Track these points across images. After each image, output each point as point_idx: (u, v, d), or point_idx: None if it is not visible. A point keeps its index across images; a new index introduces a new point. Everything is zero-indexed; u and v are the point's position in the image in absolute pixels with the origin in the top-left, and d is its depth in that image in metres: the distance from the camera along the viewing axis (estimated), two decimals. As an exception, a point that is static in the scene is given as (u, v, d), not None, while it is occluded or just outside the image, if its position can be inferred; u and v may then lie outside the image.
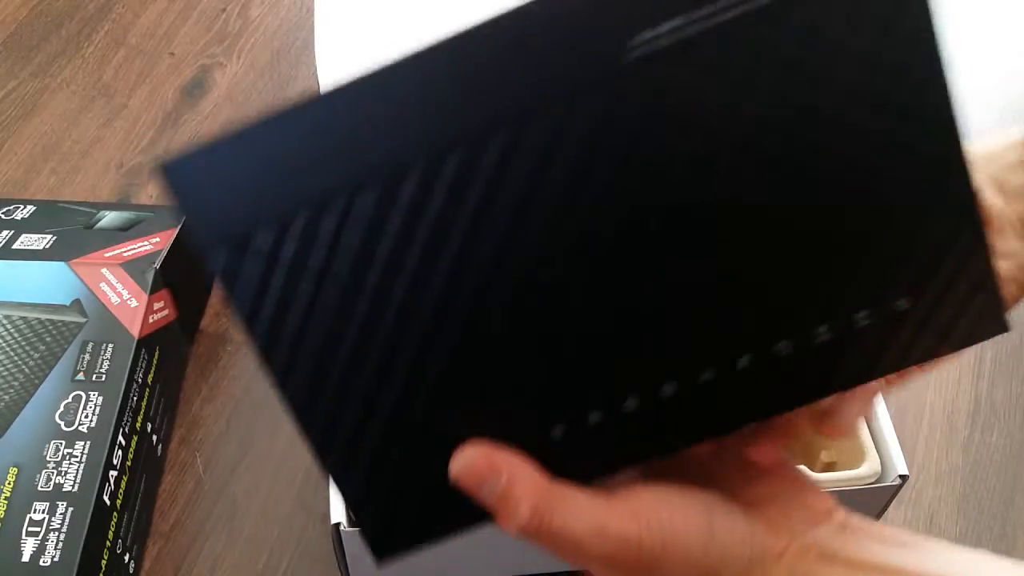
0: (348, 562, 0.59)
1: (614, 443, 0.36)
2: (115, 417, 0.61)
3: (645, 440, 0.36)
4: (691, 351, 0.35)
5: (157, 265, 0.68)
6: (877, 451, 0.61)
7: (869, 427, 0.62)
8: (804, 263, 0.34)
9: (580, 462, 0.35)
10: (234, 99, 0.91)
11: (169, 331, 0.70)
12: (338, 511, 0.56)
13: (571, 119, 0.32)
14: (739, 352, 0.35)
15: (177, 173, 0.32)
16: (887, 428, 0.62)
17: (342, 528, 0.56)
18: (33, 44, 0.95)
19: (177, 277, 0.70)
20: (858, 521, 0.37)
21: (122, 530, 0.62)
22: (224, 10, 0.98)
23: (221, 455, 0.70)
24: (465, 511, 0.35)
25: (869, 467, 0.60)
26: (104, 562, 0.59)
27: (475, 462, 0.34)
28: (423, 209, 0.32)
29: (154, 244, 0.70)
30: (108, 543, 0.60)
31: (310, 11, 0.99)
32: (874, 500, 0.61)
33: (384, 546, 0.37)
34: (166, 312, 0.69)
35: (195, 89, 0.92)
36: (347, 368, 0.34)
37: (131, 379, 0.63)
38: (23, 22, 0.96)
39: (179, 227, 0.71)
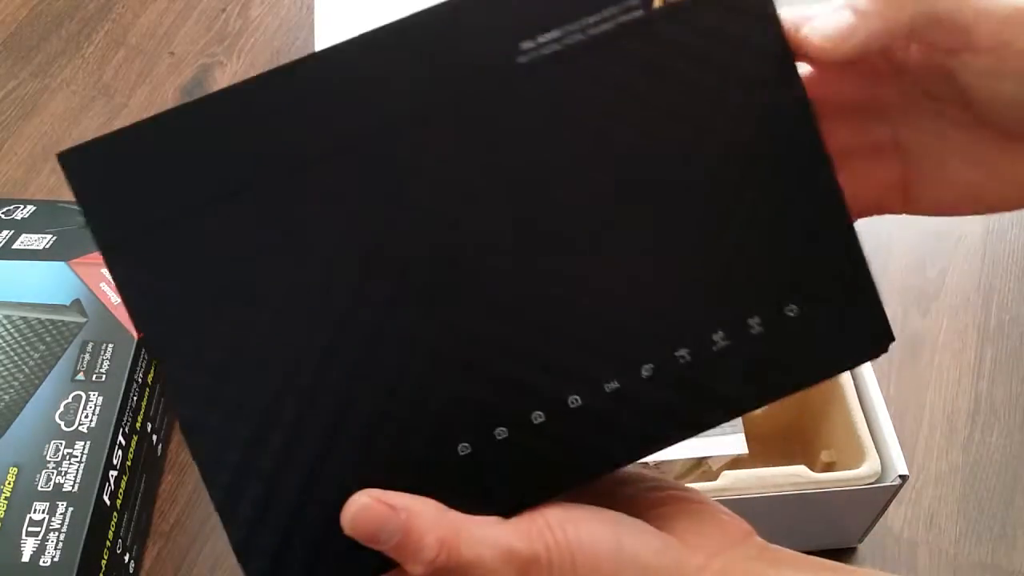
0: None
1: (495, 482, 0.34)
2: (115, 417, 0.61)
3: (529, 476, 0.34)
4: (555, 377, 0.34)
5: None
6: (877, 451, 0.61)
7: (869, 427, 0.62)
8: (679, 264, 0.35)
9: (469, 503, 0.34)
10: (234, 99, 0.91)
11: (169, 331, 0.70)
12: None
13: (461, 121, 0.34)
14: (608, 377, 0.34)
15: (76, 164, 0.32)
16: (887, 428, 0.62)
17: None
18: (33, 44, 0.95)
19: None
20: (778, 549, 0.36)
21: (122, 530, 0.62)
22: (224, 10, 0.98)
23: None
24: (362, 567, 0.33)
25: (869, 467, 0.60)
26: (104, 562, 0.59)
27: (369, 505, 0.32)
28: (302, 214, 0.33)
29: None
30: (108, 543, 0.60)
31: (310, 11, 0.99)
32: (874, 500, 0.61)
33: None
34: None
35: (195, 89, 0.92)
36: (240, 383, 0.34)
37: (131, 379, 0.63)
38: (23, 22, 0.96)
39: None
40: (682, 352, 0.35)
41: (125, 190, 0.33)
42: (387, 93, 0.33)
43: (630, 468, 0.37)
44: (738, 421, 0.65)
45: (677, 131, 0.35)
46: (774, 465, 0.61)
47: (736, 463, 0.64)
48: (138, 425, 0.64)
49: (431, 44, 0.34)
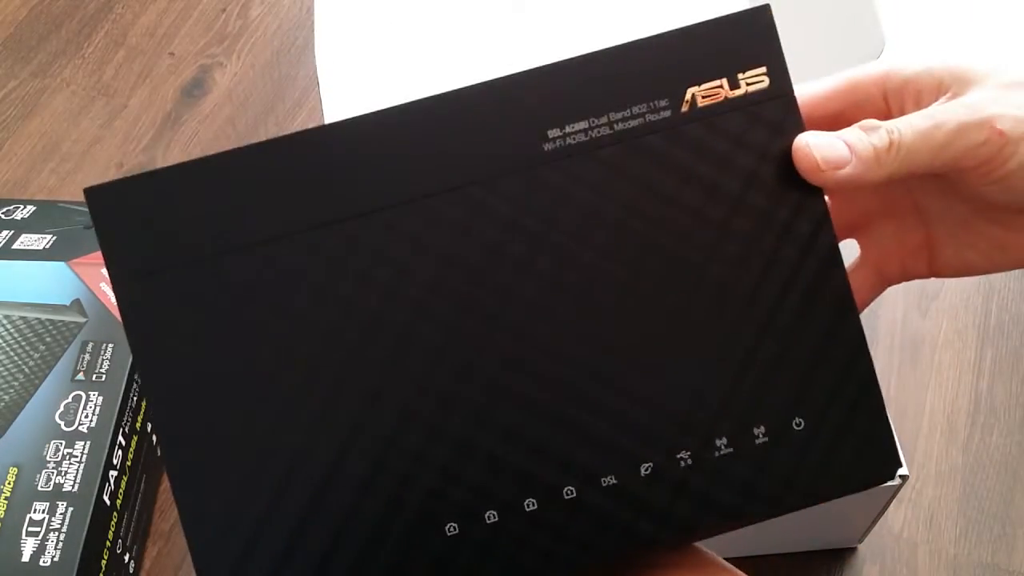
0: None
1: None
2: (115, 417, 0.61)
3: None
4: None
5: None
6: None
7: None
8: (695, 367, 0.35)
9: None
10: (234, 99, 0.91)
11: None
12: None
13: (492, 196, 0.35)
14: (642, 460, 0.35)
15: (100, 200, 0.34)
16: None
17: None
18: (33, 44, 0.95)
19: None
20: None
21: (122, 530, 0.62)
22: (224, 10, 0.98)
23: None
24: None
25: None
26: (104, 562, 0.59)
27: None
28: (339, 270, 0.34)
29: None
30: (108, 543, 0.60)
31: (310, 11, 0.99)
32: (874, 500, 0.61)
33: None
34: None
35: (195, 89, 0.92)
36: (227, 417, 0.34)
37: (131, 379, 0.63)
38: (23, 22, 0.96)
39: None
40: (683, 455, 0.35)
41: (143, 230, 0.34)
42: (413, 165, 0.34)
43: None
44: None
45: (696, 233, 0.35)
46: None
47: None
48: (138, 425, 0.64)
49: (462, 121, 0.35)
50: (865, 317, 0.37)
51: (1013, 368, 0.66)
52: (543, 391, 0.34)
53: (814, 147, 0.35)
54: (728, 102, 0.36)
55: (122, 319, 0.34)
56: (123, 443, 0.62)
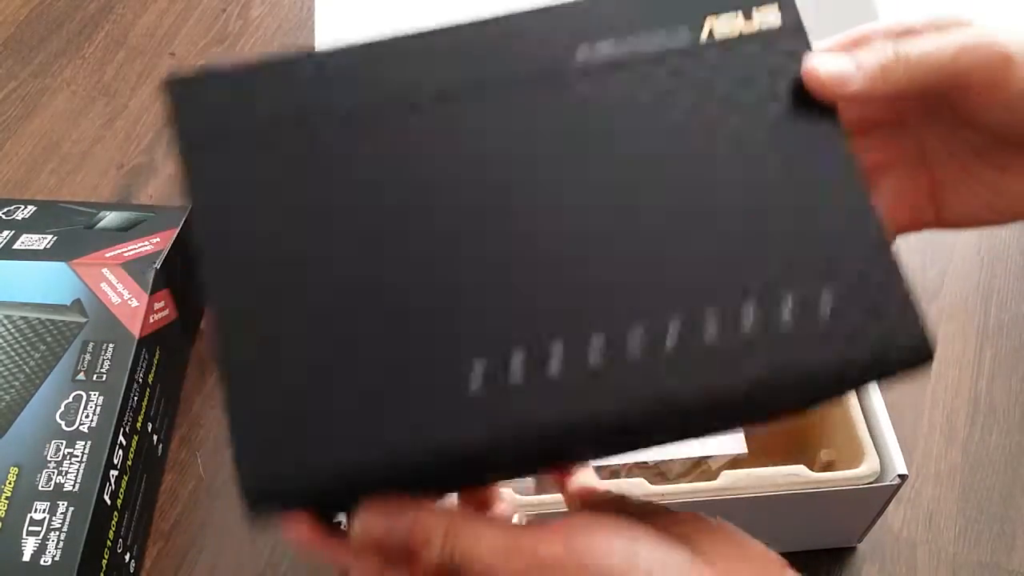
0: None
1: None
2: (116, 417, 0.61)
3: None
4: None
5: (158, 265, 0.68)
6: (876, 450, 0.61)
7: (869, 426, 0.62)
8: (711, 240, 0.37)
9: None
10: (234, 99, 0.91)
11: (170, 331, 0.70)
12: None
13: (531, 100, 0.38)
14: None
15: (178, 86, 0.37)
16: (886, 427, 0.62)
17: None
18: (34, 44, 0.95)
19: (178, 277, 0.70)
20: None
21: (123, 530, 0.62)
22: (224, 10, 0.98)
23: (222, 454, 0.70)
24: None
25: (868, 466, 0.60)
26: (104, 561, 0.59)
27: (378, 511, 0.33)
28: (395, 144, 0.37)
29: (155, 244, 0.70)
30: (109, 543, 0.60)
31: (310, 11, 0.99)
32: (873, 500, 0.61)
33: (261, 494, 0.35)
34: (167, 312, 0.69)
35: (195, 89, 0.92)
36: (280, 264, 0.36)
37: (132, 379, 0.64)
38: (24, 23, 0.97)
39: (180, 227, 0.71)
40: (709, 328, 0.35)
41: (217, 103, 0.37)
42: (465, 70, 0.38)
43: (651, 501, 0.37)
44: None
45: (719, 140, 0.38)
46: (773, 465, 0.61)
47: (735, 463, 0.64)
48: (139, 425, 0.65)
49: (507, 37, 0.39)
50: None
51: (1013, 368, 0.66)
52: (584, 262, 0.36)
53: (820, 65, 0.37)
54: (743, 37, 0.39)
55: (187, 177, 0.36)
56: (123, 443, 0.62)
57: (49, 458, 0.59)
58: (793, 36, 0.39)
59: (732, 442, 0.65)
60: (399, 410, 0.34)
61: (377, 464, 0.33)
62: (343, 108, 0.38)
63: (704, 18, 0.39)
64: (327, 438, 0.34)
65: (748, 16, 0.39)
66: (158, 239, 0.71)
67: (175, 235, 0.71)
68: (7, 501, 0.58)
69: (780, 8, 0.39)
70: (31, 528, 0.57)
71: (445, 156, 0.37)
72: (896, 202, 0.41)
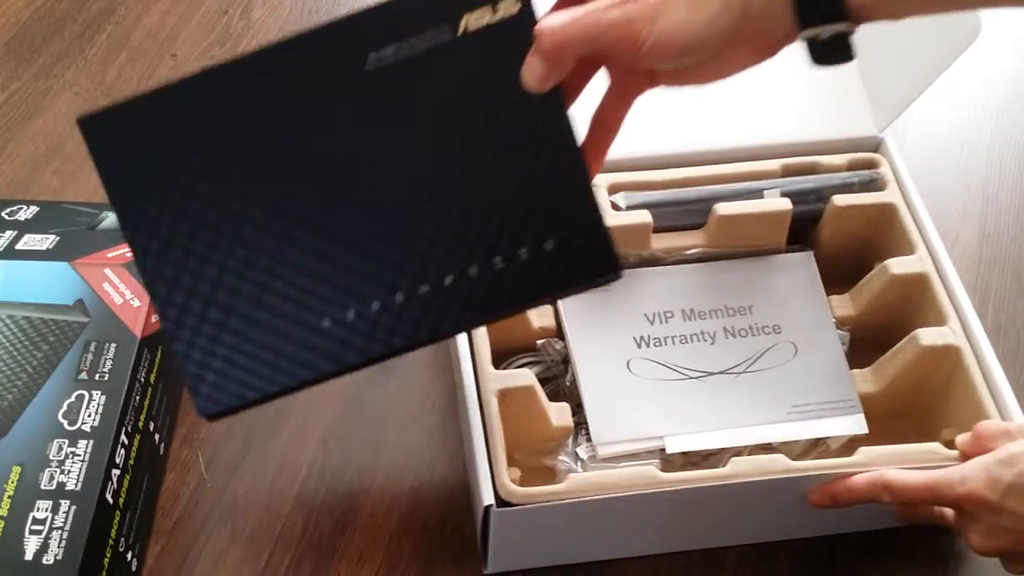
0: (491, 540, 0.62)
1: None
2: (118, 416, 0.62)
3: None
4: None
5: None
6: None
7: (995, 404, 0.64)
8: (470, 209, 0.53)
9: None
10: (236, 100, 0.92)
11: (171, 331, 0.70)
12: (488, 495, 0.59)
13: (335, 104, 0.52)
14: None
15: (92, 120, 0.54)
16: (1012, 405, 0.64)
17: (492, 509, 0.59)
18: (36, 46, 0.95)
19: None
20: None
21: (124, 528, 0.62)
22: (226, 12, 0.99)
23: (223, 454, 0.71)
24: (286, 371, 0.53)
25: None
26: (107, 560, 0.60)
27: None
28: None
29: None
30: (111, 541, 0.60)
31: (312, 12, 0.99)
32: None
33: (213, 404, 0.54)
34: None
35: (197, 90, 0.92)
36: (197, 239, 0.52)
37: (134, 378, 0.64)
38: (26, 24, 0.97)
39: None
40: (472, 268, 0.53)
41: (123, 135, 0.53)
42: (304, 86, 0.52)
43: None
44: (857, 401, 0.68)
45: (466, 120, 0.52)
46: (888, 444, 0.63)
47: (852, 443, 0.66)
48: (140, 424, 0.65)
49: (314, 52, 0.52)
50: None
51: (1011, 368, 0.67)
52: (374, 226, 0.53)
53: (524, 73, 0.50)
54: (490, 27, 0.50)
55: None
56: (126, 442, 0.63)
57: (51, 457, 0.60)
58: (525, 19, 0.50)
59: (852, 422, 0.67)
60: (286, 345, 0.53)
61: (275, 384, 0.53)
62: (211, 128, 0.52)
63: (462, 15, 0.50)
64: (244, 371, 0.53)
65: (494, 8, 0.50)
66: None
67: None
68: (9, 500, 0.58)
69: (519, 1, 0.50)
70: (33, 527, 0.58)
71: (287, 160, 0.52)
72: (626, 82, 0.54)
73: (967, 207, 0.86)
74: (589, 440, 0.66)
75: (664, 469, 0.63)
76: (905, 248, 0.72)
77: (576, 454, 0.66)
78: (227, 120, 0.52)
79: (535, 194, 0.53)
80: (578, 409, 0.67)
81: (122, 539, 0.62)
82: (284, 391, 0.54)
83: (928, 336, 0.67)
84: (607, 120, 0.54)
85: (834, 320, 0.71)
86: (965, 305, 0.68)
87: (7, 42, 0.95)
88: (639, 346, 0.69)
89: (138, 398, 0.65)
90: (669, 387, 0.68)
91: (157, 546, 0.66)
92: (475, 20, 0.50)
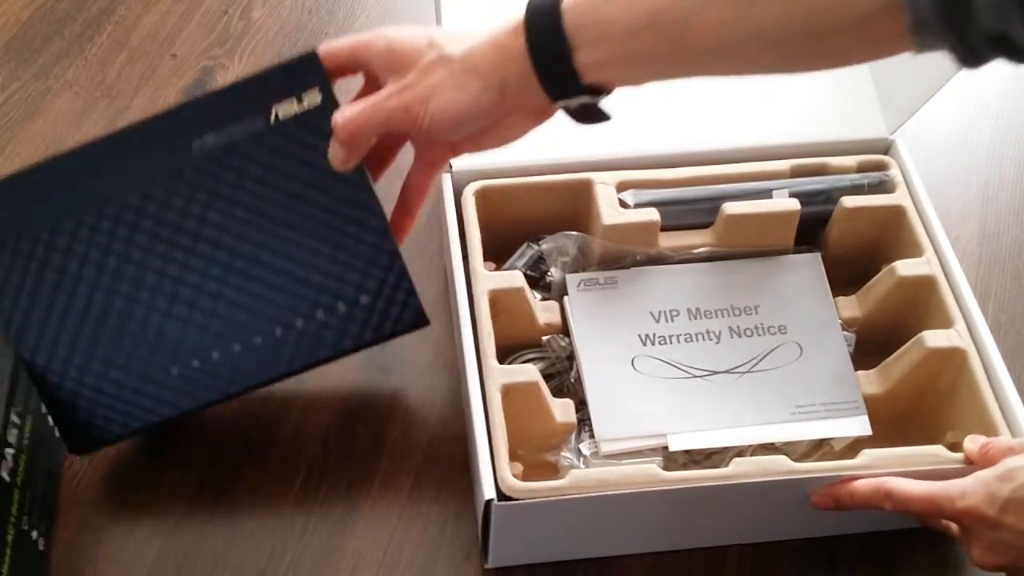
0: (492, 534, 0.62)
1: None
2: (5, 397, 0.62)
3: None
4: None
5: None
6: (1009, 429, 0.63)
7: (1000, 406, 0.64)
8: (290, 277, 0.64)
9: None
10: (236, 100, 0.92)
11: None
12: (489, 489, 0.59)
13: (154, 195, 0.61)
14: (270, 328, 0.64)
15: None
16: (1018, 407, 0.63)
17: (493, 504, 0.59)
18: (36, 46, 0.95)
19: None
20: None
21: (26, 507, 0.62)
22: (226, 12, 0.99)
23: (223, 454, 0.70)
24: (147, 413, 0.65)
25: None
26: (10, 538, 0.60)
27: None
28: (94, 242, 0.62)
29: None
30: (12, 519, 0.61)
31: (312, 12, 0.99)
32: None
33: (82, 445, 0.66)
34: None
35: (197, 90, 0.92)
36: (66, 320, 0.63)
37: (18, 359, 0.64)
38: (26, 24, 0.97)
39: None
40: (299, 321, 0.64)
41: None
42: (140, 170, 0.61)
43: None
44: (861, 403, 0.67)
45: (285, 196, 0.61)
46: (891, 446, 0.63)
47: (856, 444, 0.66)
48: (32, 404, 0.65)
49: (145, 143, 0.61)
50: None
51: (1009, 368, 0.67)
52: (210, 305, 0.63)
53: (330, 156, 0.58)
54: (297, 116, 0.58)
55: None
56: (17, 422, 0.63)
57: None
58: (327, 110, 0.58)
59: (856, 424, 0.67)
60: (141, 391, 0.65)
61: (138, 423, 0.66)
62: (59, 206, 0.60)
63: (271, 106, 0.58)
64: (106, 415, 0.65)
65: (300, 100, 0.58)
66: None
67: None
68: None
69: (320, 91, 0.58)
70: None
71: (130, 236, 0.61)
72: (430, 156, 0.63)
73: (967, 207, 0.86)
74: (592, 436, 0.66)
75: (666, 467, 0.63)
76: (913, 250, 0.72)
77: (579, 450, 0.65)
78: (74, 200, 0.60)
79: (349, 257, 0.63)
80: (582, 405, 0.67)
81: (24, 518, 0.62)
82: (147, 426, 0.66)
83: (934, 338, 0.67)
84: (415, 186, 0.63)
85: (840, 321, 0.71)
86: (972, 308, 0.68)
87: (7, 42, 0.95)
88: (644, 344, 0.69)
89: (26, 379, 0.65)
90: (673, 385, 0.68)
91: (157, 545, 0.66)
92: (284, 110, 0.58)
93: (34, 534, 0.63)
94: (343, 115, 0.56)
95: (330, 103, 0.58)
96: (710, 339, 0.70)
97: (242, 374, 0.65)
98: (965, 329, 0.68)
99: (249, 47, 0.96)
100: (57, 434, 0.69)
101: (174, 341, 0.64)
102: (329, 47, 0.59)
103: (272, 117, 0.58)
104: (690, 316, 0.71)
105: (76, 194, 0.61)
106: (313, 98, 0.58)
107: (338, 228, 0.62)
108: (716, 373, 0.69)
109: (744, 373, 0.69)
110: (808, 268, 0.73)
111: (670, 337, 0.70)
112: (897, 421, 0.69)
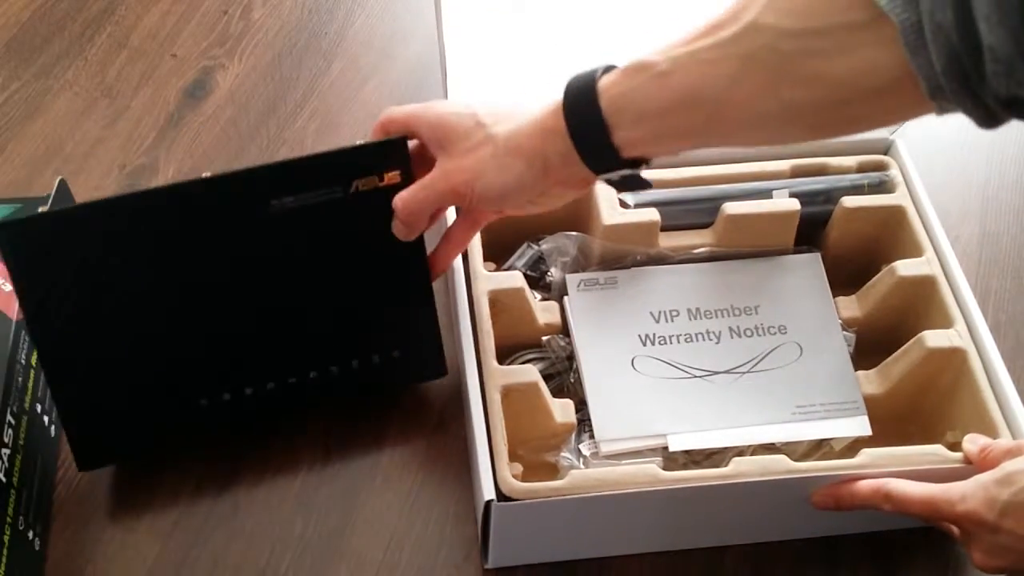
0: (492, 535, 0.62)
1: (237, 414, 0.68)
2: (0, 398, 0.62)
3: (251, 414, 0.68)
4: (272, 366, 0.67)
5: None
6: (1008, 428, 0.63)
7: (1000, 406, 0.64)
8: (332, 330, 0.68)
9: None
10: (236, 101, 0.92)
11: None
12: (488, 489, 0.59)
13: (245, 237, 0.63)
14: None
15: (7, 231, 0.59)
16: (1017, 408, 0.63)
17: (493, 504, 0.59)
18: (36, 46, 0.95)
19: None
20: None
21: (22, 507, 0.62)
22: (226, 12, 0.99)
23: (223, 453, 0.70)
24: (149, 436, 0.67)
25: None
26: (7, 538, 0.60)
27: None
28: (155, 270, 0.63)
29: None
30: (9, 520, 0.60)
31: (312, 12, 0.99)
32: None
33: (89, 461, 0.66)
34: None
35: (197, 91, 0.92)
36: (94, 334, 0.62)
37: (13, 360, 0.65)
38: (26, 24, 0.97)
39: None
40: (334, 368, 0.68)
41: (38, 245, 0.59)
42: (207, 224, 0.62)
43: None
44: (861, 403, 0.67)
45: (345, 256, 0.65)
46: (891, 446, 0.63)
47: (856, 444, 0.66)
48: (27, 405, 0.66)
49: (220, 197, 0.62)
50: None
51: (1010, 367, 0.67)
52: (268, 338, 0.66)
53: (394, 229, 0.64)
54: (377, 189, 0.62)
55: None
56: (12, 422, 0.63)
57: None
58: (404, 185, 0.62)
59: (856, 424, 0.67)
60: (166, 417, 0.67)
61: (153, 444, 0.68)
62: (123, 247, 0.60)
63: (353, 180, 0.62)
64: (125, 436, 0.67)
65: (381, 178, 0.62)
66: None
67: None
68: None
69: (400, 172, 0.62)
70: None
71: (187, 275, 0.63)
72: (477, 215, 0.66)
73: (967, 206, 0.86)
74: (592, 437, 0.65)
75: (666, 468, 0.63)
76: (913, 250, 0.72)
77: (579, 451, 0.65)
78: (140, 241, 0.61)
79: (393, 316, 0.68)
80: (582, 406, 0.67)
81: (20, 518, 0.62)
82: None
83: (934, 338, 0.67)
84: (456, 240, 0.66)
85: (840, 321, 0.71)
86: (972, 308, 0.68)
87: (7, 42, 0.95)
88: (644, 344, 0.69)
89: (20, 379, 0.65)
90: (673, 385, 0.68)
91: (157, 546, 0.66)
92: (364, 184, 0.61)
93: (30, 534, 0.63)
94: (402, 199, 0.61)
95: (409, 183, 0.62)
96: (710, 339, 0.70)
97: (267, 408, 0.68)
98: (965, 329, 0.68)
99: (249, 47, 0.96)
100: (53, 433, 0.69)
101: (212, 376, 0.66)
102: (390, 115, 0.63)
103: (352, 188, 0.61)
104: (690, 316, 0.71)
105: (140, 232, 0.61)
106: (393, 178, 0.62)
107: (389, 288, 0.66)
108: (716, 373, 0.69)
109: (744, 373, 0.69)
110: (808, 268, 0.73)
111: (670, 337, 0.70)
112: (897, 421, 0.69)
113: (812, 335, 0.70)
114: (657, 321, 0.70)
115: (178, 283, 0.62)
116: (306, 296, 0.66)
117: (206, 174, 0.62)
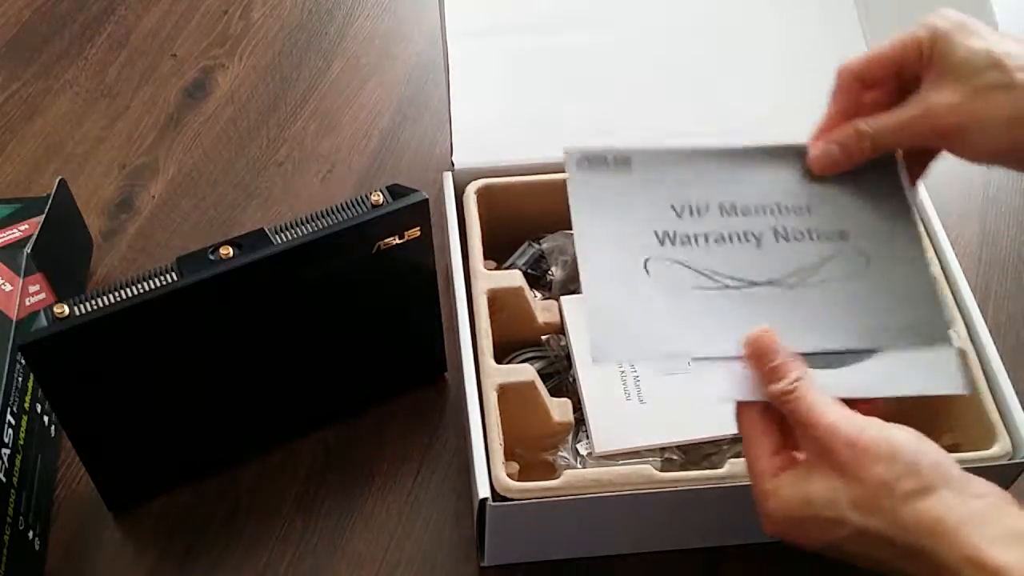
0: (487, 533, 0.62)
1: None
2: (0, 397, 0.62)
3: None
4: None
5: (28, 249, 0.69)
6: (1007, 430, 0.62)
7: (998, 408, 0.63)
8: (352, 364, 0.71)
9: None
10: (236, 100, 0.92)
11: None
12: (484, 489, 0.59)
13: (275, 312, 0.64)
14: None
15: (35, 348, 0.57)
16: (1015, 409, 0.63)
17: (488, 504, 0.59)
18: (36, 46, 0.95)
19: (50, 261, 0.71)
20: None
21: (23, 507, 0.63)
22: (226, 12, 0.99)
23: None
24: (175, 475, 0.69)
25: (1001, 447, 0.61)
26: (7, 538, 0.60)
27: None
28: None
29: (23, 231, 0.72)
30: (9, 519, 0.61)
31: (311, 12, 0.99)
32: (1005, 480, 0.62)
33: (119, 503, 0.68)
34: (43, 295, 0.70)
35: (197, 91, 0.92)
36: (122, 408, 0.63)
37: (13, 360, 0.65)
38: (26, 24, 0.97)
39: (46, 213, 0.72)
40: (345, 390, 0.72)
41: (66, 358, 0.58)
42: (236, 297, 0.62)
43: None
44: (946, 332, 0.56)
45: (369, 301, 0.67)
46: None
47: None
48: (26, 405, 0.66)
49: (244, 284, 0.61)
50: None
51: (1009, 368, 0.67)
52: (292, 385, 0.69)
53: (815, 154, 0.56)
54: (397, 245, 0.64)
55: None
56: (12, 422, 0.63)
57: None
58: (423, 243, 0.65)
59: (942, 359, 0.56)
60: (194, 458, 0.69)
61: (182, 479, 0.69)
62: (149, 347, 0.60)
63: (377, 243, 0.63)
64: (156, 478, 0.69)
65: (401, 236, 0.63)
66: (27, 226, 0.72)
67: (42, 221, 0.72)
68: None
69: (420, 229, 0.64)
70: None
71: (212, 352, 0.63)
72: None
73: (967, 207, 0.86)
74: (589, 436, 0.65)
75: (663, 468, 0.63)
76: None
77: (576, 450, 0.65)
78: (166, 337, 0.60)
79: (405, 352, 0.72)
80: (581, 404, 0.67)
81: (21, 518, 0.62)
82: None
83: (934, 338, 0.66)
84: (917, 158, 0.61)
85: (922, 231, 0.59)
86: (971, 308, 0.68)
87: (7, 42, 0.95)
88: (663, 243, 0.54)
89: (20, 379, 0.65)
90: (699, 297, 0.53)
91: (157, 546, 0.66)
92: (386, 243, 0.63)
93: (30, 534, 0.63)
94: (829, 154, 0.56)
95: (429, 237, 0.65)
96: (748, 241, 0.55)
97: (281, 432, 0.71)
98: (965, 330, 0.67)
99: (249, 47, 0.96)
100: (53, 433, 0.69)
101: (236, 426, 0.69)
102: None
103: (375, 249, 0.63)
104: (723, 211, 0.55)
105: (165, 328, 0.60)
106: (413, 233, 0.64)
107: (404, 320, 0.70)
108: (755, 284, 0.54)
109: (794, 287, 0.54)
110: (879, 168, 0.58)
111: (696, 236, 0.54)
112: (895, 422, 0.68)
113: (882, 243, 0.56)
114: (680, 216, 0.55)
115: (203, 361, 0.63)
116: (326, 343, 0.67)
117: (226, 249, 0.60)
